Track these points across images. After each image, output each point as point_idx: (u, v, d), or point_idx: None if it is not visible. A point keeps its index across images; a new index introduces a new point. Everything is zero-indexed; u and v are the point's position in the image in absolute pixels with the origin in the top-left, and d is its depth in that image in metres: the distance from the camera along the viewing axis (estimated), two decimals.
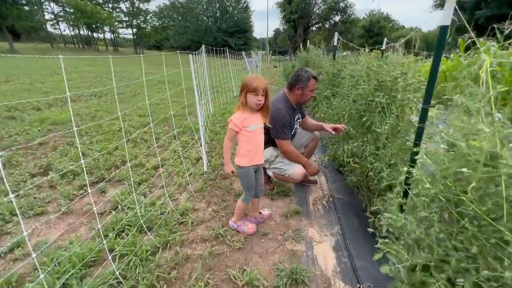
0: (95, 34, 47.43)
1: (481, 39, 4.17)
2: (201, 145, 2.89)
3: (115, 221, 1.89)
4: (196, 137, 3.70)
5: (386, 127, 1.69)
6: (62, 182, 2.50)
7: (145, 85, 2.81)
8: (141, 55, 2.23)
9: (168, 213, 2.10)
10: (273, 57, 38.65)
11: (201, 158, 3.13)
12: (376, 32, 43.85)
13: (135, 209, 2.02)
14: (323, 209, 2.36)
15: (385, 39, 4.79)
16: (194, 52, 3.81)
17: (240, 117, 1.68)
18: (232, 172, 1.78)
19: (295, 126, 2.42)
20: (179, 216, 2.08)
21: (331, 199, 2.50)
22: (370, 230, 1.73)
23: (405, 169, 1.40)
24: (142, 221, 1.82)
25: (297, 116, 2.41)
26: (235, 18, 51.20)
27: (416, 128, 1.45)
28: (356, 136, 2.36)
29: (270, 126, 2.11)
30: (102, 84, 7.99)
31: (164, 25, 56.18)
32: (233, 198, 2.42)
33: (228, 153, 1.76)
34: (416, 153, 1.48)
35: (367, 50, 3.67)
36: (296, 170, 2.25)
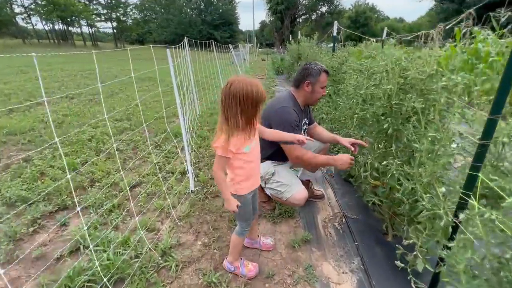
0: (72, 29, 44.92)
1: (475, 28, 3.87)
2: (186, 160, 2.41)
3: (72, 275, 1.42)
4: (180, 145, 3.22)
5: (427, 141, 1.29)
6: (9, 214, 1.98)
7: (125, 84, 2.29)
8: (117, 49, 1.72)
9: (145, 254, 1.64)
10: (260, 49, 37.92)
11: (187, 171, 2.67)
12: (362, 23, 43.76)
13: (101, 254, 1.55)
14: (336, 233, 1.97)
15: (385, 28, 4.41)
16: (174, 46, 3.29)
17: (237, 142, 1.23)
18: (237, 206, 1.35)
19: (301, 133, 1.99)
20: (159, 259, 1.63)
21: (343, 219, 2.11)
22: (399, 264, 1.37)
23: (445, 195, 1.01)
24: (106, 280, 1.35)
25: (304, 121, 1.97)
26: (220, 10, 49.75)
27: (478, 146, 1.05)
28: (374, 145, 1.96)
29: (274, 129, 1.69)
30: (75, 84, 7.25)
31: (146, 18, 53.91)
32: (227, 225, 1.99)
33: (225, 186, 1.31)
34: (475, 178, 1.10)
35: (372, 41, 3.26)
36: (295, 194, 1.82)
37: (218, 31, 49.08)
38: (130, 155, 3.09)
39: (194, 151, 3.19)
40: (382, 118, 1.87)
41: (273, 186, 1.88)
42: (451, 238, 1.28)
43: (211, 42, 5.88)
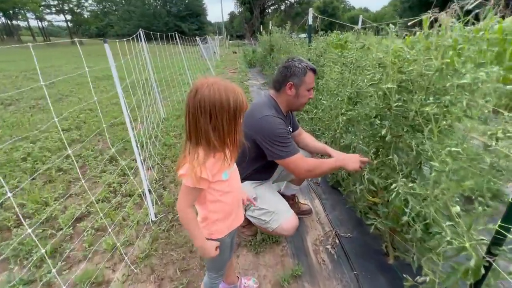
0: (19, 23, 40.14)
1: (442, 15, 3.78)
2: (146, 180, 1.95)
3: None
4: (141, 157, 2.71)
5: (450, 158, 0.99)
6: None
7: (78, 84, 1.75)
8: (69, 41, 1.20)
9: None
10: (231, 42, 36.91)
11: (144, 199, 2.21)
12: (330, 13, 44.31)
13: None
14: (330, 260, 1.66)
15: (361, 17, 4.17)
16: (126, 39, 2.74)
17: (213, 168, 0.87)
18: (217, 248, 1.01)
19: None
20: None
21: (336, 240, 1.81)
22: None
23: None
24: None
25: (287, 129, 1.61)
26: (186, 1, 47.44)
27: None
28: (368, 153, 1.67)
29: (263, 145, 1.32)
30: (15, 87, 6.22)
31: (105, 9, 49.85)
32: (198, 263, 1.60)
33: (197, 229, 0.94)
34: None
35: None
36: (284, 223, 1.47)
37: (185, 23, 46.90)
38: (77, 175, 2.54)
39: (158, 164, 2.71)
40: (378, 122, 1.57)
41: (255, 215, 1.51)
42: (484, 277, 1.02)
43: (174, 34, 5.27)
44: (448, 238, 1.04)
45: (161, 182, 2.43)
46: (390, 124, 1.42)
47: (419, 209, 1.18)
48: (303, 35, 6.52)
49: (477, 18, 1.24)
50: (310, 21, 3.17)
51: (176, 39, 5.38)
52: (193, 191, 0.88)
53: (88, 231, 1.81)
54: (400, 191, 1.26)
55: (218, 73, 9.17)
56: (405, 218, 1.27)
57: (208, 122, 0.81)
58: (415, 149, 1.20)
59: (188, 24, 46.87)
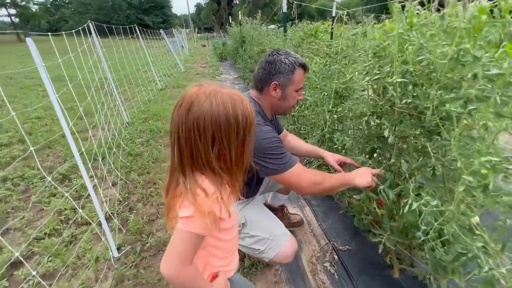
0: None
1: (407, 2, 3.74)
2: (106, 205, 1.57)
3: None
4: (105, 168, 2.30)
5: (488, 173, 0.79)
6: None
7: (24, 88, 1.26)
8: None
9: None
10: (199, 35, 35.58)
11: (111, 219, 1.83)
12: (299, 1, 44.31)
13: None
14: (331, 281, 1.45)
15: (334, 2, 3.98)
16: (67, 32, 2.27)
17: (227, 202, 0.66)
18: None
19: None
20: None
21: (334, 255, 1.61)
22: None
23: None
24: None
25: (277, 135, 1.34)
26: None
27: None
28: (364, 157, 1.46)
29: (255, 161, 0.99)
30: None
31: (57, 2, 45.29)
32: None
33: (206, 284, 0.69)
34: None
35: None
36: (283, 250, 1.20)
37: (149, 16, 44.22)
38: (18, 203, 2.07)
39: (121, 179, 2.32)
40: (377, 120, 1.35)
41: (246, 243, 1.23)
42: None
43: (134, 27, 4.71)
44: (482, 265, 0.85)
45: (126, 202, 2.06)
46: (394, 124, 1.21)
47: (438, 226, 0.98)
48: (272, 26, 6.23)
49: (441, 4, 1.07)
50: (285, 8, 2.90)
51: (136, 32, 4.82)
52: (198, 239, 0.63)
53: (30, 280, 1.41)
54: (414, 205, 1.06)
55: (187, 68, 8.62)
56: (419, 234, 1.08)
57: (210, 148, 0.59)
58: (433, 156, 0.99)
59: (152, 17, 44.26)
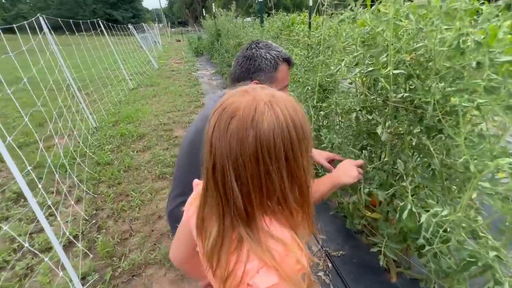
0: None
1: None
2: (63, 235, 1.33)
3: None
4: (67, 182, 2.02)
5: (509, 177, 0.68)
6: None
7: None
8: None
9: None
10: (173, 29, 34.30)
11: (75, 245, 1.60)
12: None
13: None
14: None
15: None
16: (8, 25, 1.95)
17: (306, 254, 0.44)
18: None
19: None
20: None
21: (328, 262, 1.50)
22: None
23: None
24: None
25: None
26: None
27: None
28: (355, 155, 1.34)
29: None
30: None
31: None
32: None
33: None
34: None
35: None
36: None
37: (118, 10, 41.85)
38: None
39: (88, 193, 2.06)
40: (368, 116, 1.24)
41: None
42: None
43: (97, 21, 4.30)
44: (501, 279, 0.76)
45: (93, 221, 1.82)
46: (389, 120, 1.09)
47: (443, 234, 0.88)
48: (248, 19, 6.01)
49: None
50: None
51: (100, 27, 4.42)
52: None
53: None
54: (414, 209, 0.96)
55: (161, 65, 8.18)
56: (421, 241, 0.98)
57: (286, 176, 0.43)
58: (438, 158, 0.88)
59: (121, 12, 41.93)
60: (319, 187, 0.97)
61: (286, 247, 0.42)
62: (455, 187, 0.98)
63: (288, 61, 1.00)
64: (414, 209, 0.95)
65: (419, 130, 0.94)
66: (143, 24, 10.29)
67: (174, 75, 6.63)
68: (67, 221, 1.80)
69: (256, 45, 0.99)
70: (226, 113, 0.41)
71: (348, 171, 1.01)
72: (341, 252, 1.54)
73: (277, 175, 0.41)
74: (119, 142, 2.93)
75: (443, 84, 0.83)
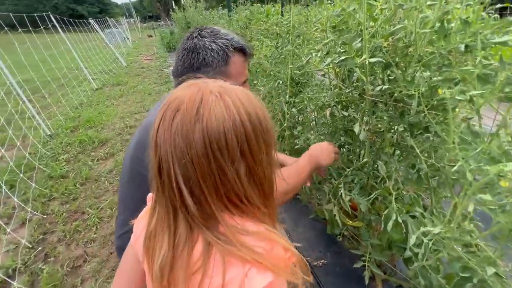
0: None
1: None
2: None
3: None
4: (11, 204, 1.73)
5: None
6: None
7: None
8: None
9: None
10: (144, 24, 32.77)
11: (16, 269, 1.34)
12: None
13: None
14: None
15: None
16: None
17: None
18: None
19: None
20: None
21: (310, 273, 1.37)
22: None
23: None
24: None
25: None
26: None
27: None
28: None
29: None
30: None
31: None
32: None
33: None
34: None
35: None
36: None
37: (83, 5, 39.26)
38: None
39: (34, 213, 1.78)
40: (345, 113, 1.09)
41: None
42: None
43: (48, 15, 3.85)
44: None
45: (40, 247, 1.56)
46: (367, 116, 0.95)
47: (433, 248, 0.75)
48: (224, 11, 5.74)
49: None
50: None
51: (52, 22, 3.96)
52: None
53: None
54: (399, 219, 0.83)
55: (130, 62, 7.68)
56: (408, 254, 0.87)
57: (243, 172, 0.39)
58: (425, 161, 0.74)
59: (87, 7, 39.39)
60: (294, 176, 0.85)
61: (268, 239, 0.39)
62: (444, 192, 0.86)
63: (242, 51, 0.81)
64: (399, 219, 0.83)
65: (402, 129, 0.80)
66: (108, 18, 9.58)
67: (144, 73, 6.23)
68: (7, 250, 1.53)
69: (198, 34, 0.79)
70: (170, 108, 0.37)
71: (327, 150, 0.95)
72: (322, 261, 1.41)
73: (233, 173, 0.38)
74: (77, 150, 2.62)
75: (428, 73, 0.69)
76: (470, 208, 0.61)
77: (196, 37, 0.79)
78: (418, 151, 0.73)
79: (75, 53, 4.39)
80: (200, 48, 0.78)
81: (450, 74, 0.72)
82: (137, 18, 31.35)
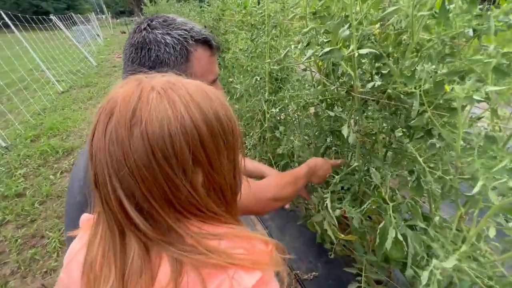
0: None
1: None
2: None
3: None
4: None
5: None
6: None
7: None
8: None
9: None
10: (117, 20, 31.22)
11: None
12: None
13: None
14: None
15: None
16: None
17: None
18: None
19: None
20: None
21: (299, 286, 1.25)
22: None
23: None
24: None
25: None
26: None
27: None
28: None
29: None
30: None
31: None
32: None
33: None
34: None
35: None
36: None
37: (48, 1, 36.63)
38: None
39: None
40: (331, 113, 0.96)
41: None
42: None
43: None
44: None
45: None
46: (356, 116, 0.82)
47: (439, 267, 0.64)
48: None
49: None
50: None
51: (4, 19, 3.55)
52: None
53: None
54: (399, 235, 0.72)
55: (101, 61, 7.20)
56: (409, 272, 0.76)
57: (196, 177, 0.34)
58: (431, 174, 0.62)
59: (52, 3, 36.78)
60: (296, 184, 0.82)
61: (245, 237, 0.35)
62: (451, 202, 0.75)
63: (206, 44, 0.65)
64: (400, 236, 0.71)
65: (400, 133, 0.67)
66: (73, 15, 8.89)
67: (116, 72, 5.84)
68: None
69: (148, 25, 0.62)
70: (104, 112, 0.31)
71: (322, 170, 0.91)
72: (313, 273, 1.29)
73: (186, 184, 0.32)
74: (37, 163, 2.35)
75: (430, 66, 0.56)
76: (492, 233, 0.49)
77: (144, 29, 0.61)
78: (421, 160, 0.61)
79: (34, 54, 3.98)
80: (151, 43, 0.60)
81: (454, 65, 0.59)
82: (108, 13, 29.76)
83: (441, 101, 0.57)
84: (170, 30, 0.61)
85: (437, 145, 0.57)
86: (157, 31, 0.61)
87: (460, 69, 0.57)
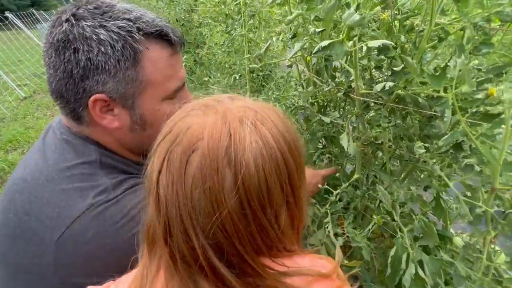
0: None
1: None
2: None
3: None
4: None
5: None
6: None
7: None
8: None
9: None
10: None
11: None
12: None
13: None
14: None
15: None
16: None
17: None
18: None
19: None
20: None
21: None
22: None
23: None
24: None
25: None
26: None
27: None
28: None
29: None
30: None
31: None
32: None
33: None
34: None
35: None
36: None
37: None
38: None
39: None
40: (326, 120, 0.80)
41: None
42: None
43: None
44: None
45: None
46: (357, 123, 0.67)
47: None
48: None
49: None
50: None
51: None
52: None
53: None
54: (420, 271, 0.59)
55: None
56: None
57: (282, 217, 0.31)
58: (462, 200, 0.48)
59: (13, 0, 34.17)
60: None
61: (315, 258, 0.34)
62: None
63: (163, 38, 0.46)
64: (420, 272, 0.58)
65: (422, 150, 0.52)
66: (35, 12, 8.16)
67: None
68: None
69: (72, 14, 0.42)
70: (180, 145, 0.27)
71: (315, 186, 0.78)
72: None
73: (276, 227, 0.30)
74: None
75: (468, 60, 0.41)
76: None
77: (67, 20, 0.42)
78: (451, 185, 0.46)
79: None
80: (77, 41, 0.41)
81: (492, 58, 0.45)
82: None
83: (481, 108, 0.42)
84: (105, 21, 0.42)
85: (477, 168, 0.43)
86: (84, 22, 0.41)
87: (502, 63, 0.42)
